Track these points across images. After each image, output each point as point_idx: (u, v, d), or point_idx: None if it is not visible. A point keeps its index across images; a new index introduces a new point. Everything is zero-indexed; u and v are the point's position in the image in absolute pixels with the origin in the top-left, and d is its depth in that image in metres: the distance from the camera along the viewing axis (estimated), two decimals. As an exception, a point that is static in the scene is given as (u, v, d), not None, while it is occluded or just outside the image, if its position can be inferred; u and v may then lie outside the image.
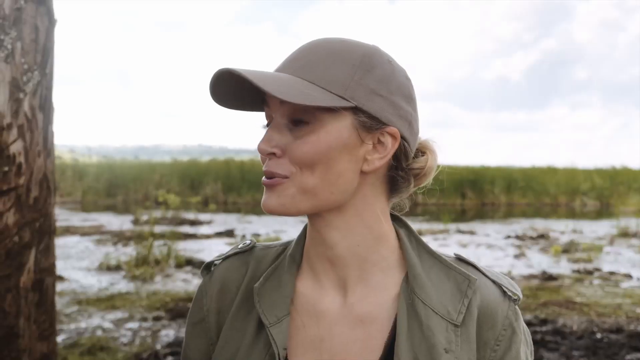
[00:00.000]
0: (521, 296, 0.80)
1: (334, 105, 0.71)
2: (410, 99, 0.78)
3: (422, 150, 0.82)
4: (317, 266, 0.80)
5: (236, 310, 0.83)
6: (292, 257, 0.83)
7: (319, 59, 0.74)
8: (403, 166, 0.78)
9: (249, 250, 0.88)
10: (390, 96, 0.75)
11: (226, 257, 0.89)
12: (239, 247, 0.89)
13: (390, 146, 0.75)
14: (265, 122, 0.78)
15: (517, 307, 0.79)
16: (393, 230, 0.81)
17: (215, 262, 0.89)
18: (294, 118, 0.73)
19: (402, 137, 0.76)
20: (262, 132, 0.77)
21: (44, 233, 2.35)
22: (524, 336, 0.79)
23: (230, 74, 0.71)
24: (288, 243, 0.87)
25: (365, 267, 0.78)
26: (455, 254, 0.83)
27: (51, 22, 2.38)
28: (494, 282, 0.79)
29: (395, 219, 0.84)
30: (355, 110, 0.73)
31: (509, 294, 0.79)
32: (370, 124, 0.74)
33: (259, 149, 0.74)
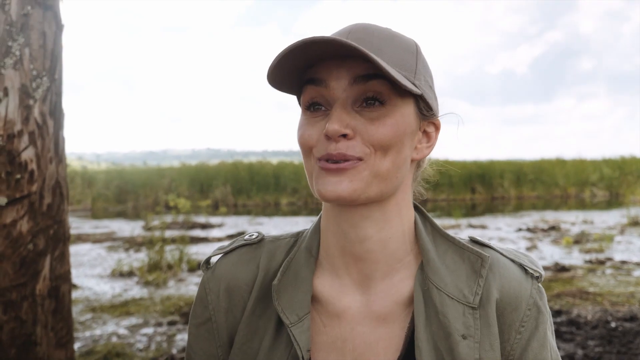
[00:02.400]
0: (543, 273, 0.77)
1: (416, 91, 0.69)
2: (434, 89, 0.78)
3: None
4: (337, 261, 0.76)
5: (252, 309, 0.78)
6: (309, 250, 0.78)
7: (386, 41, 0.70)
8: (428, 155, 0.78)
9: (257, 243, 0.83)
10: (433, 86, 0.76)
11: (230, 251, 0.83)
12: (245, 239, 0.83)
13: (435, 136, 0.76)
14: (309, 103, 0.72)
15: (540, 285, 0.76)
16: (414, 218, 0.79)
17: (216, 256, 0.83)
18: (367, 97, 0.68)
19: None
20: (296, 116, 0.74)
21: (59, 240, 2.37)
22: (549, 316, 0.77)
23: (316, 42, 0.64)
24: (298, 234, 0.83)
25: (391, 262, 0.75)
26: (469, 237, 0.80)
27: (58, 27, 2.38)
28: (513, 261, 0.77)
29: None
30: (418, 97, 0.72)
31: (531, 271, 0.76)
32: (426, 113, 0.74)
33: (331, 130, 0.67)
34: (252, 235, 0.84)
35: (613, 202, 18.04)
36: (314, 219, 0.80)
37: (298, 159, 22.09)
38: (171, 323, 5.09)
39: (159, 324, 5.08)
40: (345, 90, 0.69)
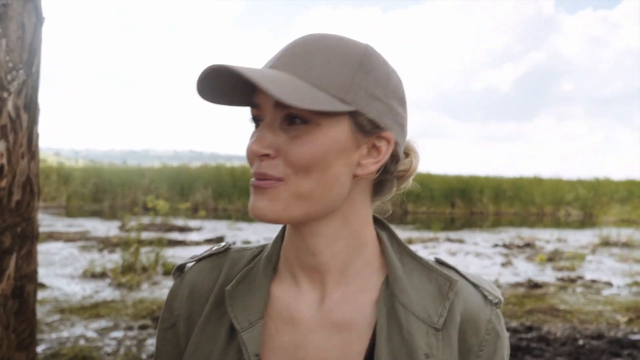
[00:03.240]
0: (502, 299, 0.77)
1: (336, 110, 0.67)
2: (403, 102, 0.76)
3: (407, 152, 0.80)
4: (295, 271, 0.77)
5: (207, 315, 0.79)
6: (269, 258, 0.79)
7: (317, 57, 0.70)
8: (391, 170, 0.76)
9: (223, 252, 0.84)
10: (387, 99, 0.72)
11: (199, 260, 0.85)
12: (213, 249, 0.85)
13: (385, 151, 0.73)
14: (251, 115, 0.74)
15: (498, 310, 0.77)
16: (375, 233, 0.79)
17: (188, 264, 0.85)
18: (290, 115, 0.68)
19: (395, 142, 0.74)
20: (251, 128, 0.74)
21: (26, 238, 2.32)
22: (507, 341, 0.77)
23: (226, 70, 0.67)
24: (264, 246, 0.84)
25: (346, 272, 0.75)
26: (435, 258, 0.80)
27: (39, 19, 2.34)
28: (475, 285, 0.77)
29: (377, 222, 0.81)
30: (354, 113, 0.70)
31: (490, 297, 0.77)
32: (367, 128, 0.71)
33: (251, 151, 0.69)
34: (221, 245, 0.85)
35: (587, 221, 18.35)
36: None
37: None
38: (142, 327, 5.02)
39: (130, 328, 5.00)
40: (270, 113, 0.70)
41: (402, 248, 0.78)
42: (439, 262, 0.79)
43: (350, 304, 0.75)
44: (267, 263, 0.79)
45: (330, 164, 0.69)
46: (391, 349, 0.70)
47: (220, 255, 0.84)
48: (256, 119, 0.73)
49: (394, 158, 0.75)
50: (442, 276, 0.75)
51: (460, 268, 0.80)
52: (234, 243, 0.87)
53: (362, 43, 0.74)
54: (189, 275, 0.83)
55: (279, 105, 0.68)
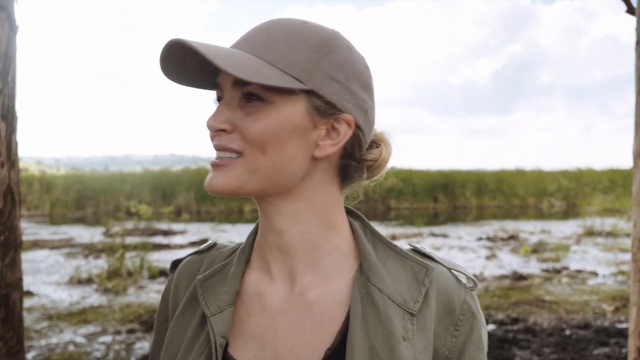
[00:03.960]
0: (477, 283, 0.79)
1: (287, 87, 0.69)
2: (368, 87, 0.76)
3: (377, 142, 0.80)
4: (266, 255, 0.78)
5: (183, 307, 0.81)
6: (242, 250, 0.82)
7: (276, 38, 0.72)
8: (356, 156, 0.77)
9: (207, 250, 0.87)
10: (348, 82, 0.73)
11: (188, 256, 0.88)
12: (201, 247, 0.88)
13: (344, 133, 0.73)
14: (216, 97, 0.76)
15: (473, 292, 0.78)
16: (347, 221, 0.80)
17: (183, 260, 0.88)
18: (246, 92, 0.70)
19: (357, 126, 0.74)
20: (213, 108, 0.75)
21: (9, 247, 2.30)
22: (484, 322, 0.78)
23: (183, 47, 0.69)
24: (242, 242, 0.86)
25: (315, 255, 0.76)
26: (410, 245, 0.81)
27: (12, 28, 2.32)
28: (449, 269, 0.78)
29: (349, 212, 0.82)
30: (310, 93, 0.71)
31: (464, 280, 0.78)
32: (324, 108, 0.72)
33: (208, 125, 0.72)
34: (209, 243, 0.88)
35: (570, 212, 18.59)
36: None
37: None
38: (130, 331, 4.99)
39: (118, 332, 4.97)
40: (229, 91, 0.72)
41: (375, 236, 0.79)
42: (415, 250, 0.80)
43: (321, 287, 0.76)
44: (240, 255, 0.81)
45: (285, 142, 0.71)
46: (366, 331, 0.71)
47: (205, 252, 0.87)
48: (219, 100, 0.75)
49: (358, 143, 0.76)
50: (417, 263, 0.76)
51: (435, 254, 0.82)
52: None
53: (329, 28, 0.76)
54: (178, 270, 0.86)
55: (237, 83, 0.71)
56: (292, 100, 0.71)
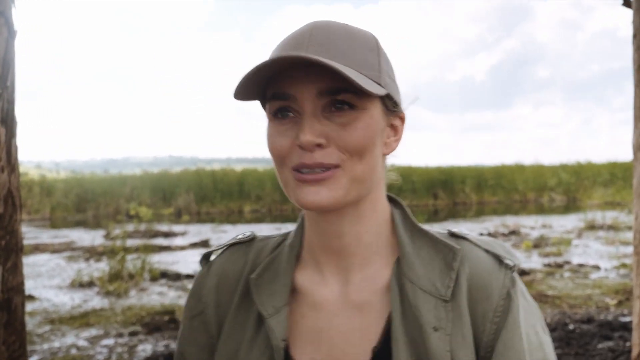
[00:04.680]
0: (518, 262, 0.75)
1: (382, 93, 0.69)
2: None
3: None
4: (319, 256, 0.78)
5: (237, 304, 0.80)
6: (292, 246, 0.80)
7: (345, 42, 0.70)
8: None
9: (249, 241, 0.86)
10: (396, 81, 0.76)
11: (226, 248, 0.86)
12: (238, 237, 0.87)
13: (401, 129, 0.77)
14: (273, 108, 0.72)
15: (514, 274, 0.74)
16: (389, 213, 0.80)
17: (214, 252, 0.86)
18: (337, 100, 0.68)
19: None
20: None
21: (11, 251, 2.29)
22: (525, 301, 0.74)
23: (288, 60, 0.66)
24: (287, 234, 0.85)
25: (367, 254, 0.76)
26: (448, 229, 0.80)
27: (10, 33, 2.32)
28: (486, 251, 0.76)
29: (391, 200, 0.82)
30: (384, 95, 0.72)
31: (505, 262, 0.74)
32: (392, 108, 0.74)
33: (305, 142, 0.67)
34: (246, 234, 0.87)
35: (571, 206, 18.60)
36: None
37: (262, 166, 22.00)
38: (133, 334, 4.99)
39: (120, 335, 4.96)
40: (312, 102, 0.69)
41: (413, 225, 0.78)
42: (450, 233, 0.79)
43: (368, 286, 0.76)
44: (290, 251, 0.80)
45: (376, 145, 0.72)
46: (406, 326, 0.71)
47: (246, 244, 0.85)
48: (284, 110, 0.71)
49: None
50: (446, 247, 0.75)
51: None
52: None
53: (364, 29, 0.76)
54: (216, 264, 0.85)
55: (325, 92, 0.68)
56: (375, 103, 0.72)
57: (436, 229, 0.80)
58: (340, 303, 0.76)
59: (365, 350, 0.74)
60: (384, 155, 0.76)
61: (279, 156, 0.71)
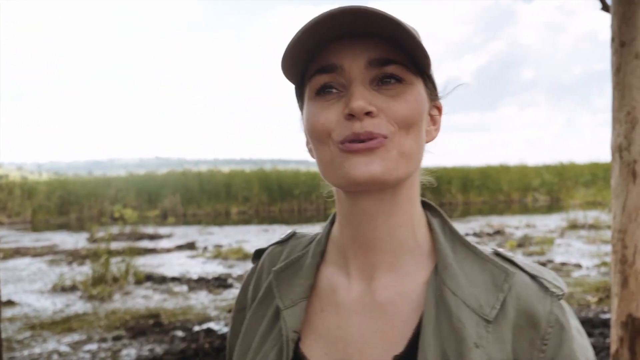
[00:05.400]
0: (565, 290, 0.72)
1: (430, 71, 0.69)
2: None
3: None
4: (346, 250, 0.75)
5: (261, 298, 0.80)
6: (319, 242, 0.79)
7: (396, 17, 0.67)
8: None
9: (286, 240, 0.86)
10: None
11: (271, 245, 0.87)
12: (282, 237, 0.87)
13: (439, 119, 0.76)
14: (319, 87, 0.69)
15: (562, 302, 0.71)
16: (425, 216, 0.77)
17: (266, 250, 0.87)
18: (385, 74, 0.67)
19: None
20: (315, 101, 0.69)
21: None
22: (577, 333, 0.70)
23: (354, 13, 0.63)
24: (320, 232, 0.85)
25: (398, 253, 0.73)
26: (492, 249, 0.76)
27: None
28: (533, 277, 0.71)
29: (428, 207, 0.79)
30: (425, 78, 0.71)
31: (552, 289, 0.70)
32: (432, 94, 0.73)
33: (357, 107, 0.65)
34: (289, 233, 0.87)
35: (554, 206, 18.80)
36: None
37: (249, 167, 21.93)
38: (116, 338, 4.94)
39: (104, 340, 4.91)
40: (361, 72, 0.67)
41: (454, 236, 0.75)
42: (496, 253, 0.75)
43: (397, 288, 0.72)
44: (316, 246, 0.79)
45: (422, 124, 0.70)
46: (439, 336, 0.67)
47: (284, 243, 0.86)
48: (328, 88, 0.69)
49: None
50: (497, 267, 0.71)
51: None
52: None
53: None
54: (260, 261, 0.86)
55: (375, 63, 0.67)
56: (420, 83, 0.70)
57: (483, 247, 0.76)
58: (363, 301, 0.73)
59: (385, 355, 0.70)
60: (425, 142, 0.74)
61: (323, 131, 0.68)
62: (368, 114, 0.65)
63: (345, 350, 0.72)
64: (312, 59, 0.70)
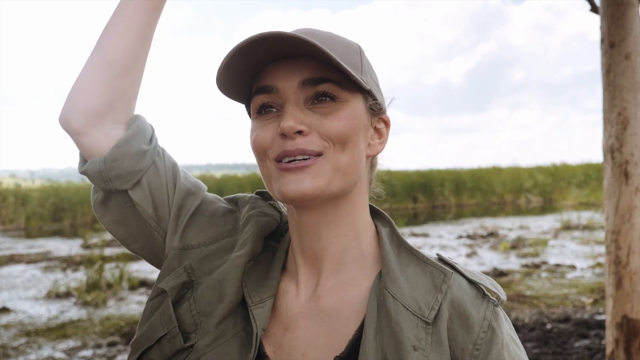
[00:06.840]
0: (503, 297, 0.73)
1: (366, 87, 0.71)
2: None
3: None
4: (296, 257, 0.78)
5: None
6: (283, 242, 0.83)
7: (330, 40, 0.72)
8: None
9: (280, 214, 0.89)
10: (379, 86, 0.78)
11: (268, 201, 0.90)
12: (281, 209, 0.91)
13: (386, 133, 0.78)
14: (259, 107, 0.72)
15: (497, 308, 0.72)
16: (373, 224, 0.80)
17: (265, 192, 0.90)
18: (319, 92, 0.69)
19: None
20: (250, 121, 0.74)
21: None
22: (509, 338, 0.71)
23: (261, 42, 0.66)
24: None
25: (344, 261, 0.76)
26: (437, 254, 0.79)
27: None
28: (471, 282, 0.73)
29: (378, 215, 0.81)
30: (366, 94, 0.73)
31: (488, 294, 0.72)
32: (375, 108, 0.75)
33: (286, 127, 0.67)
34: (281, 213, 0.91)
35: (547, 207, 18.86)
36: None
37: (242, 172, 21.86)
38: (111, 344, 4.92)
39: (98, 346, 4.89)
40: (295, 92, 0.70)
41: (401, 243, 0.78)
42: (440, 258, 0.77)
43: (341, 293, 0.75)
44: (281, 245, 0.83)
45: (359, 139, 0.72)
46: (379, 340, 0.69)
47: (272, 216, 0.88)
48: (267, 107, 0.72)
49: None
50: (437, 269, 0.73)
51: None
52: None
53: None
54: (257, 212, 0.88)
55: (307, 83, 0.70)
56: (357, 99, 0.73)
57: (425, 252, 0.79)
58: (309, 307, 0.76)
59: (327, 357, 0.72)
60: (368, 157, 0.76)
61: (260, 148, 0.71)
62: (300, 132, 0.69)
63: (289, 353, 0.74)
64: (251, 80, 0.73)
